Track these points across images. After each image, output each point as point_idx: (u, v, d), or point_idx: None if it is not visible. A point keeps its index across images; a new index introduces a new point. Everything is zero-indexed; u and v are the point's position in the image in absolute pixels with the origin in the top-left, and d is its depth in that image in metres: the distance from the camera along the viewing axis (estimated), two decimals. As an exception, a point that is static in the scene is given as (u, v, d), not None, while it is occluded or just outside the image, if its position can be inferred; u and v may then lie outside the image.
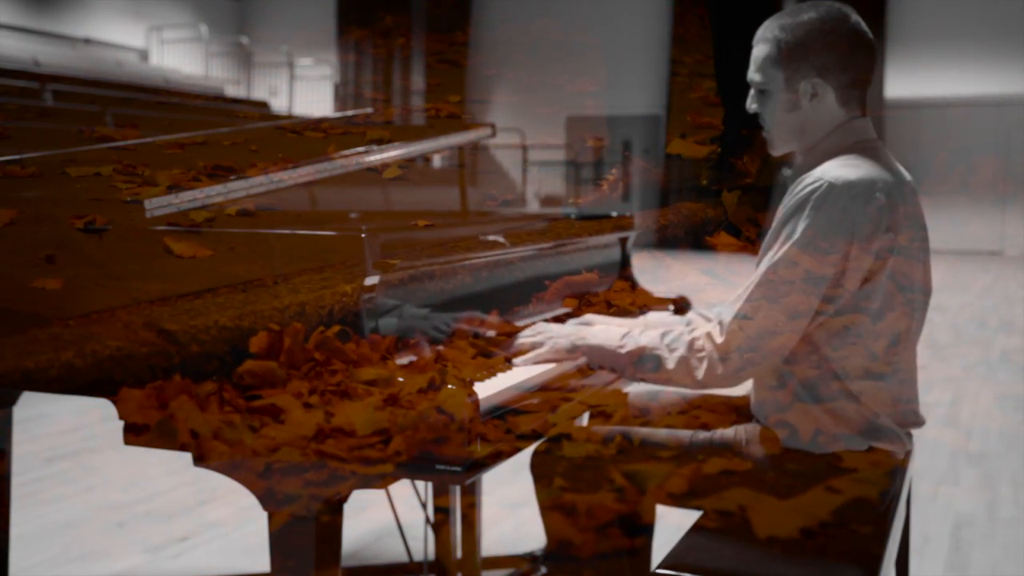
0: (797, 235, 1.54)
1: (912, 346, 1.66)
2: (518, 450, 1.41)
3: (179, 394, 1.18)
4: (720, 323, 1.58)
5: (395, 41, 15.01)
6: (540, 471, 1.68)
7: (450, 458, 1.24)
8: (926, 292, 1.66)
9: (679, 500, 1.61)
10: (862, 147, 1.64)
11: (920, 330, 1.67)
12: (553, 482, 1.65)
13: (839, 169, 1.57)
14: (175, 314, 1.27)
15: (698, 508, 1.58)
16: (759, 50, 1.66)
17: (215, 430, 1.16)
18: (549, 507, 1.69)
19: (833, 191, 1.53)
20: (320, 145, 2.17)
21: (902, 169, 1.66)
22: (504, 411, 1.44)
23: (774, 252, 1.56)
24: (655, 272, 2.47)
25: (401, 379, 1.29)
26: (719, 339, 1.57)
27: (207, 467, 1.20)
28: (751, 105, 1.71)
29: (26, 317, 1.27)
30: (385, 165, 2.00)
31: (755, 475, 1.59)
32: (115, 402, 1.17)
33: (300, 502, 1.20)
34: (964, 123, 13.64)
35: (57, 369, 1.16)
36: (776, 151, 1.73)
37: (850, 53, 1.62)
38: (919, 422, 1.68)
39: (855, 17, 1.64)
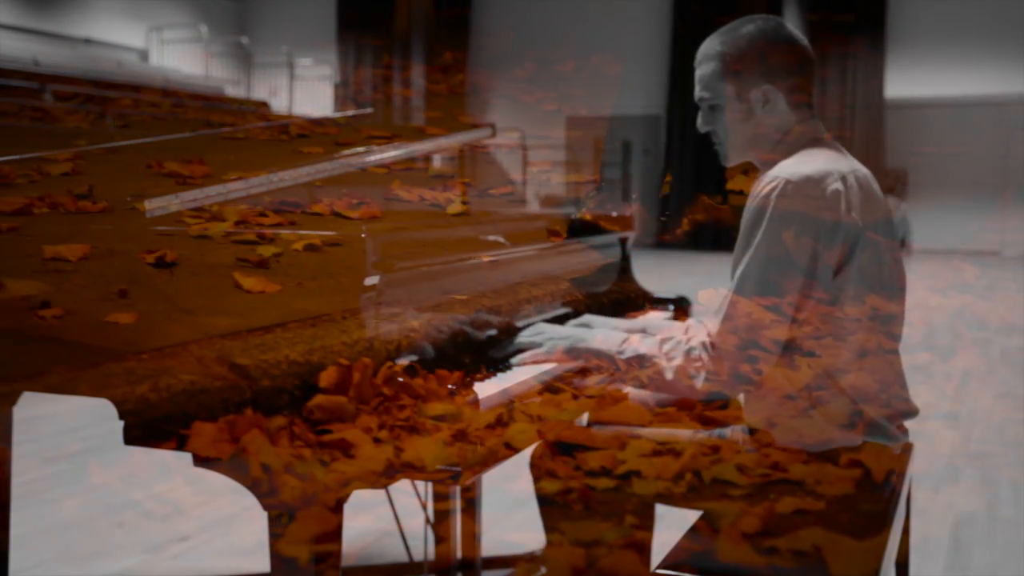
0: (761, 237, 1.56)
1: (894, 335, 1.67)
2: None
3: (251, 428, 1.19)
4: (709, 333, 1.59)
5: (454, 77, 14.98)
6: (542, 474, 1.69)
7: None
8: (900, 280, 1.68)
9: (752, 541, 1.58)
10: (814, 145, 1.68)
11: (901, 320, 1.68)
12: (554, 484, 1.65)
13: (794, 166, 1.60)
14: (246, 348, 1.28)
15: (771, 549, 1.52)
16: (704, 68, 1.71)
17: (286, 464, 1.17)
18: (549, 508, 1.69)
19: (790, 187, 1.56)
20: (383, 180, 2.20)
21: (856, 161, 1.69)
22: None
23: (745, 257, 1.59)
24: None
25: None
26: (712, 352, 1.58)
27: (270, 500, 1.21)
28: (702, 125, 1.75)
29: (101, 351, 1.28)
30: (449, 200, 2.04)
31: (830, 515, 1.51)
32: (188, 436, 1.19)
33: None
34: (964, 123, 13.64)
35: (132, 403, 1.17)
36: (730, 163, 1.77)
37: (792, 57, 1.69)
38: (911, 411, 1.69)
39: (789, 26, 1.71)
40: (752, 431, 1.68)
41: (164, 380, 1.19)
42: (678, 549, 1.41)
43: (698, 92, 1.73)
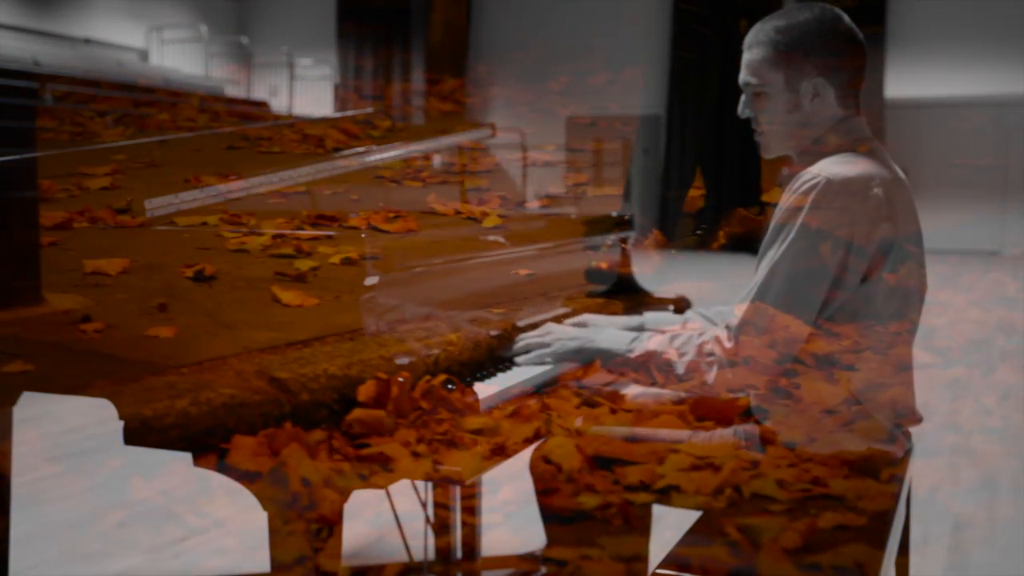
0: (795, 233, 1.53)
1: (909, 344, 1.66)
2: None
3: (290, 442, 1.21)
4: (728, 327, 1.57)
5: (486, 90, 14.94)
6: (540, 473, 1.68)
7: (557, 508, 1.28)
8: (922, 290, 1.66)
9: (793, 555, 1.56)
10: (858, 145, 1.64)
11: (916, 328, 1.67)
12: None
13: (836, 166, 1.56)
14: (285, 363, 1.30)
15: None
16: (753, 53, 1.65)
17: (326, 478, 1.19)
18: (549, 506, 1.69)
19: (831, 188, 1.52)
20: (419, 194, 2.23)
21: (897, 167, 1.66)
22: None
23: (774, 252, 1.56)
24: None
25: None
26: (728, 343, 1.56)
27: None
28: (743, 110, 1.69)
29: (142, 365, 1.30)
30: (485, 213, 2.06)
31: (871, 532, 1.49)
32: (228, 449, 1.20)
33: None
34: (964, 123, 13.63)
35: (173, 416, 1.18)
36: (771, 154, 1.72)
37: (847, 52, 1.63)
38: (917, 420, 1.68)
39: (847, 18, 1.64)
40: (755, 430, 1.67)
41: (204, 394, 1.20)
42: (678, 549, 1.41)
43: (744, 77, 1.67)
